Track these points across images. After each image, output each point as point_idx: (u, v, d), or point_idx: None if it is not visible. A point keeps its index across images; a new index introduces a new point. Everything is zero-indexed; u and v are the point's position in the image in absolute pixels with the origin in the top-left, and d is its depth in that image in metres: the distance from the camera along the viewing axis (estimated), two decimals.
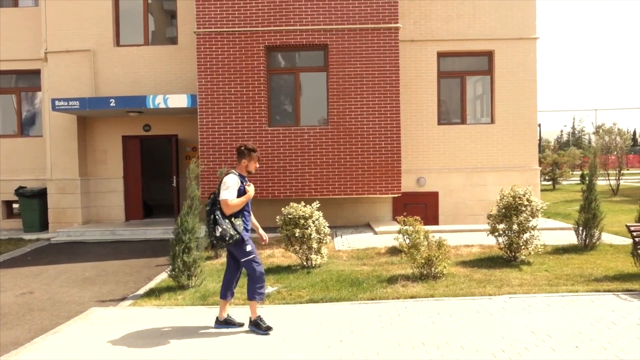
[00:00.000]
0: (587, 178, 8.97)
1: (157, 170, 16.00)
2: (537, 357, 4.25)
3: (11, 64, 13.04)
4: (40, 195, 12.50)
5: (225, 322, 5.27)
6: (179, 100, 11.41)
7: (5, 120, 13.51)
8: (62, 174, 12.55)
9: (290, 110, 11.71)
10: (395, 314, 5.51)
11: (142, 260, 9.29)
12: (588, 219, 8.62)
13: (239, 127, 11.21)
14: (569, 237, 9.48)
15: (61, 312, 6.29)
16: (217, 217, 4.92)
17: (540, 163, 19.06)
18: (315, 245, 7.82)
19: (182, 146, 12.98)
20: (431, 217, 11.99)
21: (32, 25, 12.88)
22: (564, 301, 5.79)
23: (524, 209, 7.64)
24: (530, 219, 7.68)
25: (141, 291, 7.10)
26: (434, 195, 12.25)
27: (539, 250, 7.90)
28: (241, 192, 5.00)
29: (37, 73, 13.16)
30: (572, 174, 26.95)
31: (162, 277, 7.76)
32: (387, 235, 10.01)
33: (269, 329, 5.05)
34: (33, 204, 12.45)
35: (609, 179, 19.43)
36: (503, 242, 7.88)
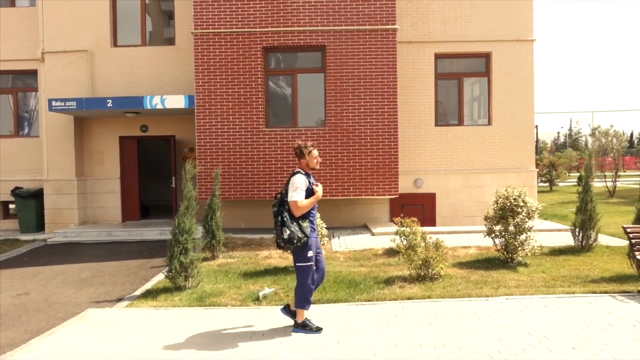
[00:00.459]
0: (583, 180, 8.99)
1: (154, 171, 15.98)
2: (534, 359, 4.25)
3: (8, 64, 13.00)
4: (37, 195, 12.46)
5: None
6: (177, 101, 11.39)
7: (2, 121, 13.45)
8: (58, 174, 12.51)
9: (288, 111, 11.71)
10: (393, 315, 5.51)
11: (138, 261, 9.27)
12: (584, 221, 8.65)
13: (237, 128, 11.21)
14: (566, 239, 9.51)
15: (57, 313, 6.27)
16: (285, 218, 4.79)
17: (537, 165, 19.12)
18: None
19: (179, 147, 12.96)
20: (428, 219, 12.01)
21: (29, 25, 12.84)
22: (561, 302, 5.80)
23: (520, 210, 7.65)
24: (527, 220, 7.70)
25: (138, 292, 7.08)
26: (431, 197, 12.26)
27: (536, 251, 7.92)
28: (309, 192, 4.89)
29: (33, 73, 13.12)
30: (568, 175, 27.03)
31: (158, 278, 7.74)
32: (384, 236, 10.02)
33: (319, 329, 5.01)
34: (29, 204, 12.41)
35: (605, 181, 19.50)
36: (500, 243, 7.90)
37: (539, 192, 15.82)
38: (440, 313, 5.54)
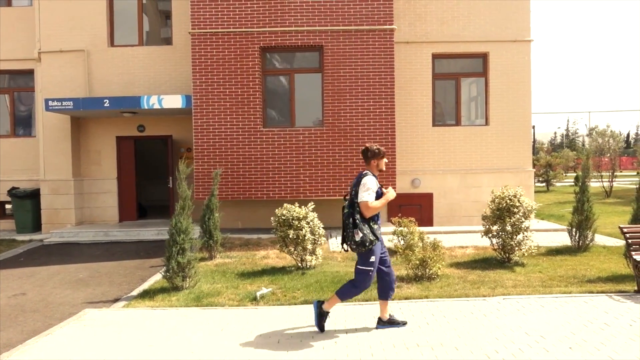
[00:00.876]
0: (580, 180, 9.01)
1: (151, 171, 15.96)
2: (531, 358, 4.26)
3: (4, 64, 12.96)
4: (33, 196, 12.43)
5: (389, 322, 5.12)
6: (174, 101, 11.38)
7: None
8: (55, 174, 12.48)
9: (285, 111, 11.71)
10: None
11: (135, 262, 9.25)
12: (581, 221, 8.68)
13: (234, 128, 11.20)
14: (563, 239, 9.53)
15: (54, 314, 6.25)
16: (357, 221, 4.74)
17: (534, 165, 19.16)
18: (309, 247, 7.82)
19: (176, 147, 12.94)
20: (426, 219, 12.02)
21: (25, 25, 12.80)
22: (558, 302, 5.82)
23: (516, 210, 7.67)
24: (523, 220, 7.72)
25: (135, 292, 7.07)
26: (429, 197, 12.28)
27: (533, 251, 7.94)
28: (378, 194, 4.85)
29: (30, 73, 13.08)
30: (565, 175, 27.10)
31: (155, 278, 7.72)
32: (382, 236, 9.99)
33: (322, 328, 5.01)
34: (26, 204, 12.37)
35: (602, 181, 19.55)
36: (497, 243, 7.92)
37: (536, 192, 15.86)
38: (438, 313, 5.54)
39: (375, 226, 4.83)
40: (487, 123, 12.40)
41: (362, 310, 5.73)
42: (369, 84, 11.16)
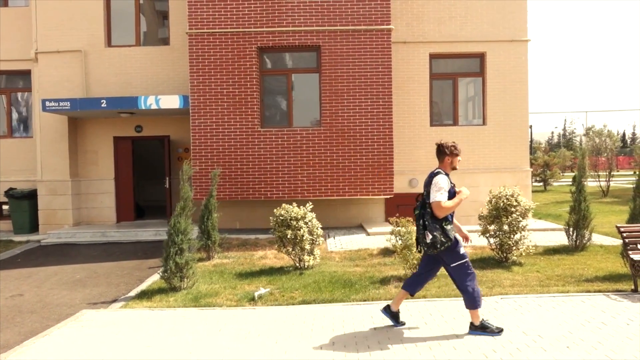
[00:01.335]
0: (577, 179, 9.03)
1: (149, 172, 15.93)
2: (528, 358, 4.27)
3: (1, 65, 12.90)
4: (31, 196, 12.39)
5: (395, 317, 5.06)
6: (171, 101, 11.36)
7: None
8: (52, 175, 12.45)
9: (283, 111, 11.71)
10: None
11: (133, 262, 9.24)
12: (578, 220, 8.69)
13: (232, 128, 11.19)
14: (560, 238, 9.55)
15: (51, 315, 6.24)
16: (427, 222, 4.61)
17: (532, 164, 19.18)
18: (307, 247, 7.82)
19: (174, 147, 12.92)
20: None
21: (22, 25, 12.77)
22: (555, 302, 5.83)
23: (513, 209, 7.68)
24: (520, 219, 7.73)
25: (132, 293, 7.06)
26: None
27: (530, 251, 7.96)
28: (451, 194, 4.72)
29: (27, 73, 13.04)
30: (562, 175, 27.14)
31: (153, 279, 7.72)
32: (379, 236, 10.03)
33: (500, 330, 4.78)
34: (23, 205, 12.34)
35: (599, 180, 19.59)
36: (494, 242, 7.93)
37: (533, 191, 15.88)
38: (435, 312, 5.55)
39: (449, 226, 4.65)
40: (484, 123, 12.41)
41: (361, 310, 5.73)
42: (367, 84, 11.17)
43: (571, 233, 8.81)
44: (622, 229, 6.47)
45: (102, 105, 11.32)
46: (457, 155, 4.89)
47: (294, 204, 8.02)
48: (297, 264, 7.88)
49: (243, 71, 11.18)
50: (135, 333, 5.21)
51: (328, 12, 11.15)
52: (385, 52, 11.18)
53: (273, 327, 5.23)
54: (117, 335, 5.17)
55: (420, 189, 12.21)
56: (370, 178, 11.20)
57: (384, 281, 6.95)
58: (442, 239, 4.59)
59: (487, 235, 7.97)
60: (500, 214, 7.74)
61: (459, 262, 4.70)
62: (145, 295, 6.76)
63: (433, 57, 12.35)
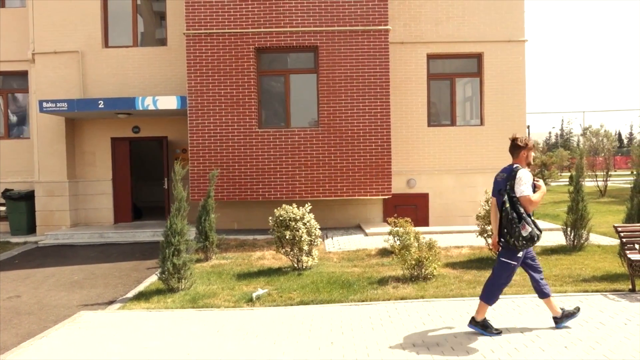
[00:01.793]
0: (574, 179, 9.05)
1: (147, 173, 15.90)
2: (526, 358, 4.27)
3: None
4: (28, 197, 12.36)
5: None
6: (169, 102, 11.35)
7: None
8: (49, 176, 12.42)
9: (281, 112, 11.70)
10: (386, 315, 5.52)
11: (131, 263, 9.22)
12: (576, 220, 8.70)
13: (229, 129, 11.18)
14: (558, 238, 9.56)
15: (49, 316, 6.22)
16: (522, 215, 4.53)
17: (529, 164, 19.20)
18: (306, 247, 7.81)
19: (172, 148, 12.90)
20: (421, 219, 12.03)
21: (19, 25, 12.73)
22: None
23: None
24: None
25: (130, 294, 7.05)
26: (424, 197, 12.29)
27: None
28: (532, 187, 4.70)
29: (24, 74, 12.99)
30: (560, 175, 27.20)
31: (151, 280, 7.70)
32: (377, 236, 10.03)
33: (499, 332, 4.79)
34: (20, 206, 12.30)
35: (597, 180, 19.63)
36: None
37: None
38: (434, 313, 5.55)
39: (536, 220, 4.66)
40: (482, 123, 12.43)
41: (359, 310, 5.73)
42: (364, 84, 11.17)
43: (569, 233, 8.82)
44: (619, 229, 6.48)
45: (100, 106, 11.30)
46: (530, 149, 4.85)
47: (294, 205, 8.01)
48: (296, 265, 7.87)
49: (241, 72, 11.17)
50: (133, 334, 5.20)
51: (326, 13, 11.15)
52: (383, 53, 11.19)
53: (271, 327, 5.22)
54: (114, 336, 5.16)
55: (418, 189, 12.30)
56: (368, 178, 11.20)
57: (382, 281, 6.94)
58: (537, 232, 4.57)
59: (485, 235, 7.97)
60: None
61: (511, 262, 4.70)
62: (143, 296, 6.74)
63: (430, 57, 12.36)
